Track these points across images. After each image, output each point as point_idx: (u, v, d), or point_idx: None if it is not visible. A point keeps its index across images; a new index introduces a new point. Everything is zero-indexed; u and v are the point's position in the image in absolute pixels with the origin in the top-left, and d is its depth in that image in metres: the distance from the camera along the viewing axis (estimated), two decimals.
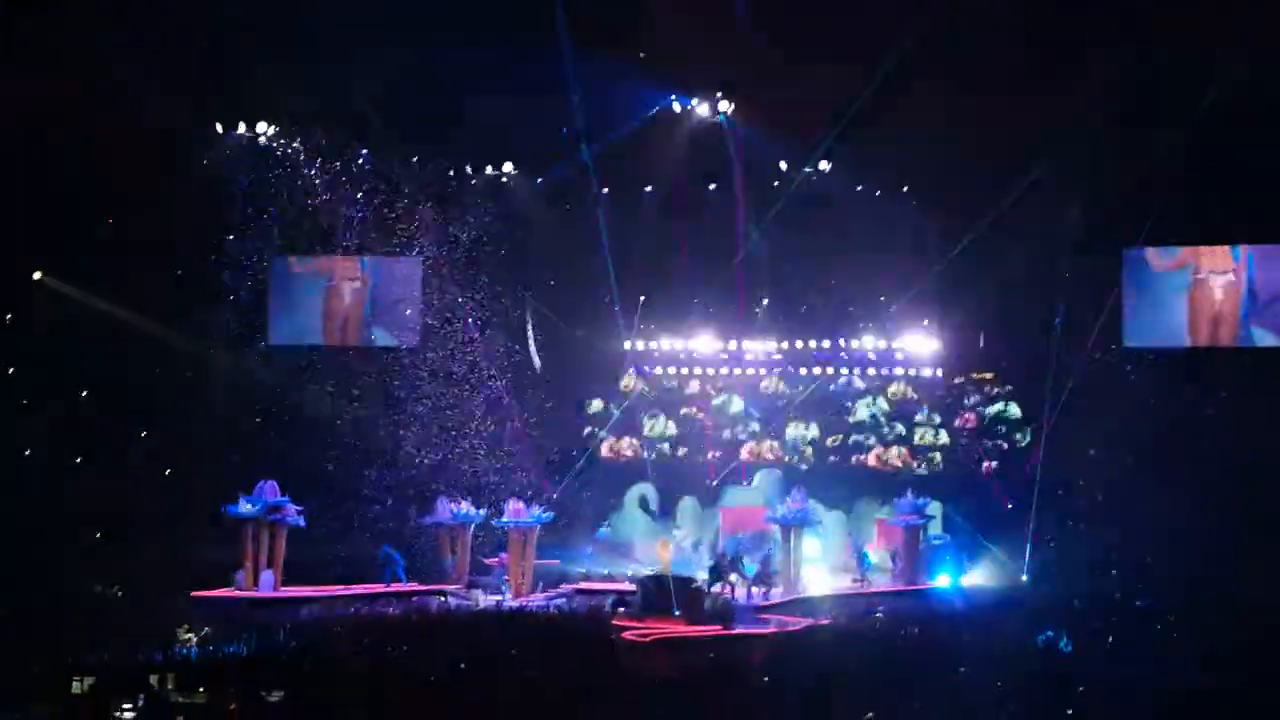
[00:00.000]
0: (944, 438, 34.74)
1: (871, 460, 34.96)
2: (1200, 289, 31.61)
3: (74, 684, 18.33)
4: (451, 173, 35.07)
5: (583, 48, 30.18)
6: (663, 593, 26.20)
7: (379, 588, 28.36)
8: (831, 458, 35.45)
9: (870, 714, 18.13)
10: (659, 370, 37.00)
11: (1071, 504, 31.13)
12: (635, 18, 30.15)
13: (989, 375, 35.12)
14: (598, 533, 34.18)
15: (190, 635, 21.94)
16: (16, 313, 32.83)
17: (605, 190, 35.14)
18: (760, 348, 36.25)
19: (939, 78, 30.20)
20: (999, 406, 34.74)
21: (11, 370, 32.28)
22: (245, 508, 28.07)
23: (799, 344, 36.01)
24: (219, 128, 33.17)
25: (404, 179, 34.34)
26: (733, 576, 28.50)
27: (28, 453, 31.97)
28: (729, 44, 30.35)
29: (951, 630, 24.04)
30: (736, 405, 36.33)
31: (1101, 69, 28.98)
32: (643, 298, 36.06)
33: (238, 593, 27.40)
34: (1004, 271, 31.91)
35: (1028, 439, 33.93)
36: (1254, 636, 21.48)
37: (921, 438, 34.92)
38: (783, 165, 34.40)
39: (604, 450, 36.26)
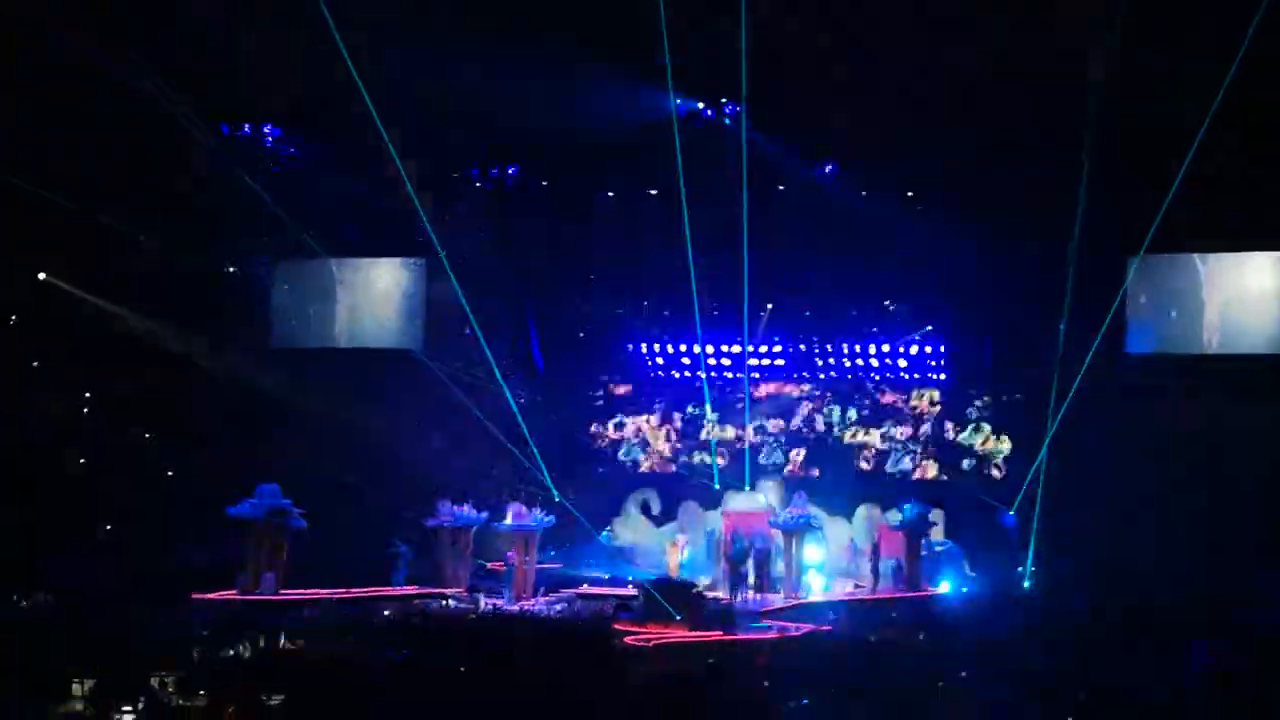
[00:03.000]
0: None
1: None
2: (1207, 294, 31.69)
3: (74, 686, 18.28)
4: (456, 174, 35.03)
5: (589, 49, 30.10)
6: (664, 597, 26.21)
7: (381, 590, 28.36)
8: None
9: None
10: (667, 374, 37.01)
11: (1074, 511, 31.01)
12: (643, 20, 30.07)
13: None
14: (600, 537, 34.15)
15: None
16: (20, 313, 32.90)
17: (610, 193, 35.15)
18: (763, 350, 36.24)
19: (944, 81, 30.12)
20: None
21: (14, 370, 32.34)
22: (247, 510, 28.06)
23: (802, 348, 35.95)
24: (223, 127, 33.17)
25: (408, 180, 34.28)
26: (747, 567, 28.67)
27: (29, 452, 32.06)
28: (736, 48, 30.25)
29: (953, 637, 23.99)
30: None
31: (1109, 69, 28.87)
32: (645, 302, 36.04)
33: (239, 595, 27.38)
34: (1008, 276, 31.85)
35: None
36: (1258, 649, 21.40)
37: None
38: (787, 170, 34.33)
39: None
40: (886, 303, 35.06)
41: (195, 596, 26.58)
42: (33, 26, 27.90)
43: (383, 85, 30.45)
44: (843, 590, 30.69)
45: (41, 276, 32.27)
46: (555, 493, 33.21)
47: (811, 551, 30.44)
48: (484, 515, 30.48)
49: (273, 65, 30.10)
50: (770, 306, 35.96)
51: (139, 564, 28.27)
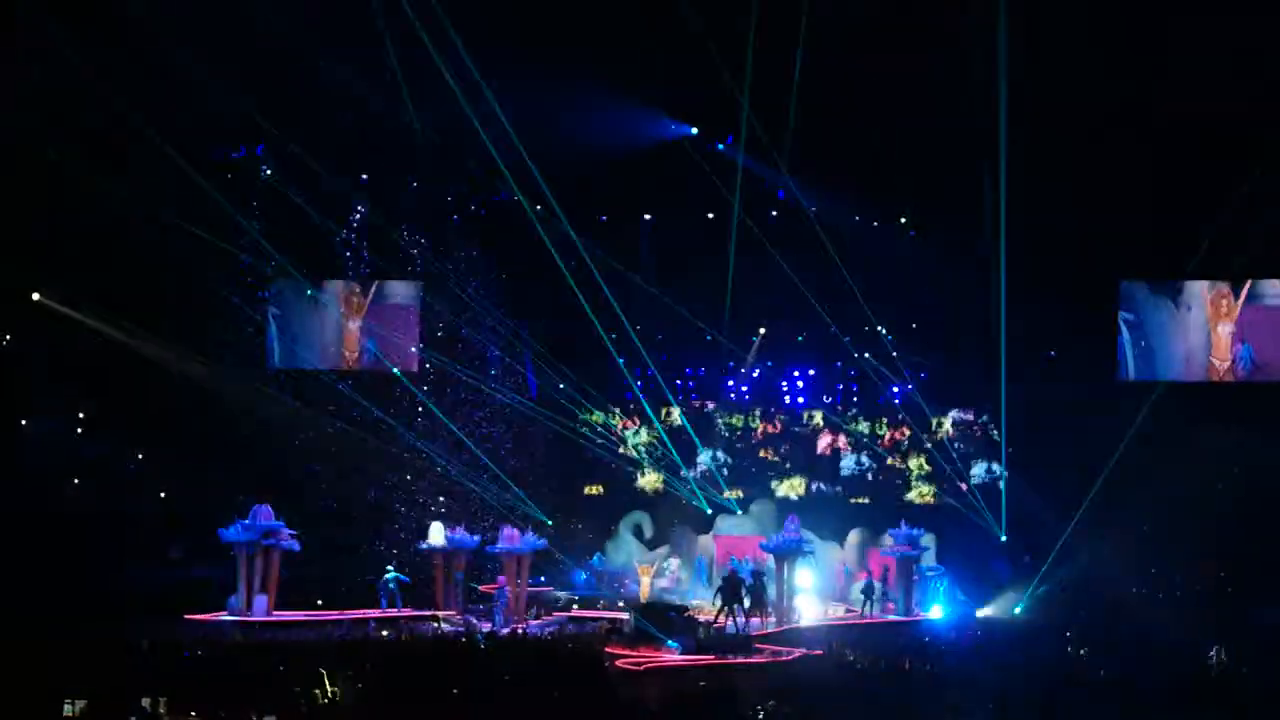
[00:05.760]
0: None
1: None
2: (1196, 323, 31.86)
3: (66, 706, 18.30)
4: (451, 198, 35.15)
5: (585, 77, 30.29)
6: (656, 621, 26.22)
7: (373, 613, 28.36)
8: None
9: None
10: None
11: (1064, 535, 31.04)
12: (639, 48, 30.29)
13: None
14: (592, 560, 34.14)
15: None
16: (15, 333, 32.93)
17: (604, 218, 35.25)
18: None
19: (938, 109, 30.31)
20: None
21: (10, 390, 32.37)
22: (240, 531, 28.06)
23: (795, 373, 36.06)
24: (220, 151, 33.29)
25: (405, 204, 34.43)
26: (742, 592, 28.52)
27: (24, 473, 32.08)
28: (731, 75, 30.45)
29: (944, 661, 24.01)
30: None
31: (1102, 99, 29.10)
32: (638, 325, 36.04)
33: (232, 616, 27.37)
34: (999, 303, 31.94)
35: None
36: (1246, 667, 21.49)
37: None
38: (780, 195, 34.49)
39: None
40: (879, 328, 35.07)
41: (189, 617, 26.57)
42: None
43: (384, 110, 30.71)
44: (834, 614, 30.71)
45: (35, 296, 32.29)
46: (545, 517, 33.33)
47: (803, 575, 30.44)
48: (476, 538, 30.49)
49: (272, 88, 30.30)
50: (763, 331, 36.14)
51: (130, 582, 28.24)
